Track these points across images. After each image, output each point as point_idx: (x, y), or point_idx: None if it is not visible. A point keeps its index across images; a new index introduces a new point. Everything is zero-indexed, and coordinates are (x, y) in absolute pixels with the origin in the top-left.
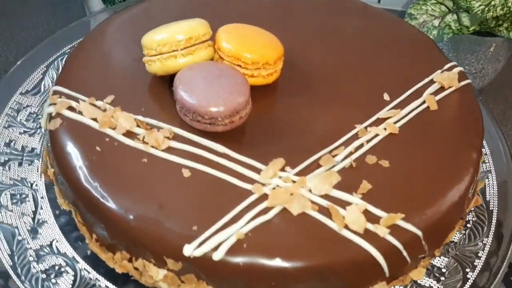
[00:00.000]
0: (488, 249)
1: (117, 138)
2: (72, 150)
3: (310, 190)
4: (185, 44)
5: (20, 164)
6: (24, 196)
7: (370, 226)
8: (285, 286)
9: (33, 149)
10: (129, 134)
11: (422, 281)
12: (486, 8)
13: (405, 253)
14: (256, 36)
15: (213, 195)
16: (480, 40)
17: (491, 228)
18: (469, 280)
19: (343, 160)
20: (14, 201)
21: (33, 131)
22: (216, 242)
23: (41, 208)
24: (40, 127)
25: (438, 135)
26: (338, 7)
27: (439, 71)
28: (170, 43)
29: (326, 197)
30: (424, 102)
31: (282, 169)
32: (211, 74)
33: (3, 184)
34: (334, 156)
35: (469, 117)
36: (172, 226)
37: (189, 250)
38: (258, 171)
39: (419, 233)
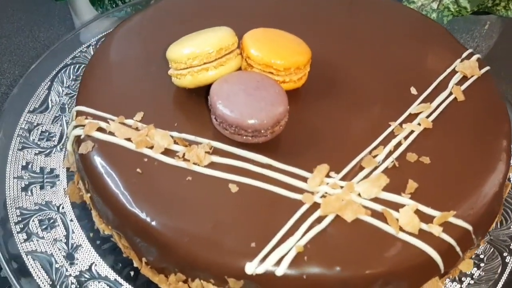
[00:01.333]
0: None
1: (156, 157)
2: (110, 174)
3: (359, 195)
4: (216, 56)
5: (42, 187)
6: (52, 221)
7: (424, 226)
8: None
9: (52, 170)
10: (168, 152)
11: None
12: None
13: (458, 249)
14: (283, 40)
15: (265, 208)
16: (475, 19)
17: None
18: (509, 264)
19: (384, 160)
20: (44, 227)
21: (48, 150)
22: (277, 257)
23: (73, 232)
24: (55, 146)
25: (469, 126)
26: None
27: (459, 60)
28: (200, 56)
29: (376, 200)
30: (451, 93)
31: (327, 175)
32: (249, 86)
33: (29, 210)
34: (374, 157)
35: (494, 104)
36: (230, 245)
37: (251, 268)
38: (304, 179)
39: (470, 227)
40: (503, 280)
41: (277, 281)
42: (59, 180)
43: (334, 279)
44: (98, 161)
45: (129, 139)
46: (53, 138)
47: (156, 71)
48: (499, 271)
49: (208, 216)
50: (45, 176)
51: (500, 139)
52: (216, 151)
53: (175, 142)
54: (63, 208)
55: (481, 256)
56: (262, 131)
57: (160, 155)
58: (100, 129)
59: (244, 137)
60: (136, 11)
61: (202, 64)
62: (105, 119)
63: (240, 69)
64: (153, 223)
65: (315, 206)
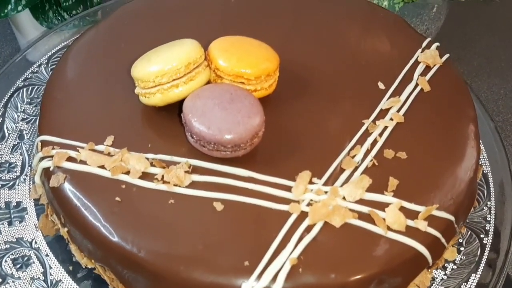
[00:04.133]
0: (494, 211)
1: (134, 183)
2: (88, 206)
3: (344, 198)
4: (185, 71)
5: (10, 224)
6: (26, 258)
7: (410, 222)
8: None
9: (18, 204)
10: (145, 176)
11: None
12: None
13: (443, 240)
14: (249, 48)
15: (253, 223)
16: (423, 3)
17: (491, 190)
18: (487, 246)
19: (363, 159)
20: (18, 266)
21: (11, 182)
22: (272, 273)
23: (51, 268)
24: (18, 177)
25: (438, 115)
26: None
27: (420, 50)
28: (169, 73)
29: (361, 202)
30: (417, 84)
31: (310, 181)
32: (223, 100)
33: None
34: (353, 157)
35: (458, 91)
36: (224, 266)
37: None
38: (288, 188)
39: (452, 218)
40: (484, 262)
41: None
42: (27, 213)
43: (331, 286)
44: (73, 193)
45: (102, 166)
46: (15, 169)
47: (121, 90)
48: (478, 253)
49: (197, 239)
50: (11, 211)
51: (468, 125)
52: (195, 169)
53: (152, 165)
54: (36, 243)
55: (460, 241)
56: (242, 145)
57: (138, 180)
58: (70, 159)
59: (223, 152)
60: (88, 25)
61: (171, 81)
62: (73, 147)
63: (209, 81)
64: (141, 253)
65: (303, 215)
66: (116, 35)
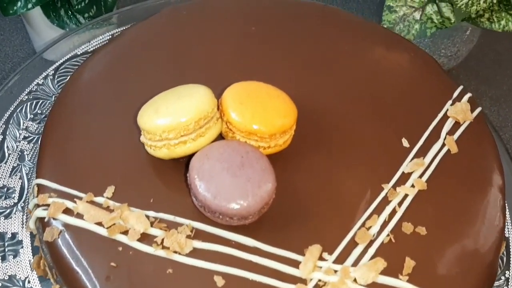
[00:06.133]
0: None
1: (131, 245)
2: (83, 268)
3: (355, 280)
4: (194, 127)
5: (3, 258)
6: None
7: None
8: None
9: (14, 235)
10: (145, 237)
11: None
12: (470, 2)
13: None
14: (266, 100)
15: None
16: (457, 25)
17: (511, 258)
18: None
19: (379, 232)
20: None
21: (8, 210)
22: None
23: None
24: (15, 204)
25: (464, 183)
26: (326, 25)
27: (450, 101)
28: (177, 129)
29: (373, 285)
30: (443, 144)
31: (320, 257)
32: (233, 164)
33: None
34: (368, 229)
35: (487, 154)
36: None
37: None
38: (295, 263)
39: None
40: None
41: None
42: (22, 247)
43: None
44: (67, 249)
45: (100, 223)
46: (13, 195)
47: (125, 133)
48: None
49: None
50: (6, 244)
51: (496, 195)
52: (197, 233)
53: (152, 225)
54: (29, 282)
55: None
56: (249, 216)
57: (136, 243)
58: (66, 210)
59: (228, 221)
60: (100, 28)
61: (179, 137)
62: (71, 197)
63: (221, 133)
64: None
65: None
66: (125, 65)
